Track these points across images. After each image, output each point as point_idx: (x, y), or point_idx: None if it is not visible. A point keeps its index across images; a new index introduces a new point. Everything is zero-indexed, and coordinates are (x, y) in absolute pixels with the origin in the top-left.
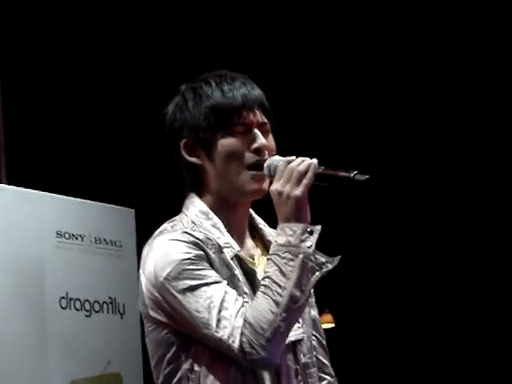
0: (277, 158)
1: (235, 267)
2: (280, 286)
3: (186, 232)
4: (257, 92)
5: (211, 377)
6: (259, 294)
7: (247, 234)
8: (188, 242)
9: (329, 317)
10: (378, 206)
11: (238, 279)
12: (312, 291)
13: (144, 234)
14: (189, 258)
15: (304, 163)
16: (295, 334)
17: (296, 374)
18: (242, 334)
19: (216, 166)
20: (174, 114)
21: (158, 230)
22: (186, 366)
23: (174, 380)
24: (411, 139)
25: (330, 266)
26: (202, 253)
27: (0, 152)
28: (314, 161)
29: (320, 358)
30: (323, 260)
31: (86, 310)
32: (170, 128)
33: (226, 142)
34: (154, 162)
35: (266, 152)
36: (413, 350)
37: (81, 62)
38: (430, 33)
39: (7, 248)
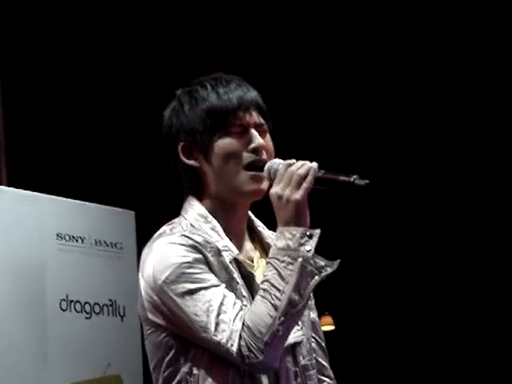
0: (277, 161)
1: (234, 270)
2: (279, 290)
3: (184, 235)
4: (253, 93)
5: (210, 380)
6: (258, 297)
7: (246, 236)
8: (187, 246)
9: (329, 319)
10: (377, 209)
11: (237, 282)
12: (311, 294)
13: (144, 235)
14: (187, 262)
15: (304, 167)
16: (294, 336)
17: (295, 376)
18: (240, 337)
19: (214, 167)
20: (171, 118)
21: (157, 233)
22: (184, 369)
23: (173, 383)
24: (410, 143)
25: (329, 270)
26: (200, 256)
27: (0, 154)
28: (314, 164)
29: (319, 360)
30: (322, 264)
31: (86, 313)
32: (167, 132)
33: (223, 143)
34: (154, 164)
35: (264, 152)
36: (413, 353)
37: (81, 63)
38: (431, 37)
39: (7, 250)
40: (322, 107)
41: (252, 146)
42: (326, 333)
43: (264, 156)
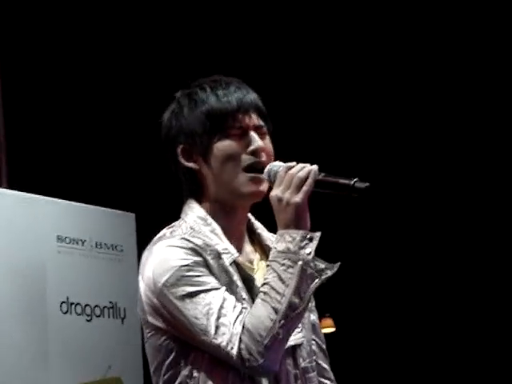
0: (277, 163)
1: (234, 273)
2: (279, 293)
3: (184, 238)
4: (252, 96)
5: (210, 382)
6: (258, 300)
7: (246, 238)
8: (186, 248)
9: (329, 321)
10: (378, 212)
11: (237, 285)
12: (312, 296)
13: (145, 238)
14: (187, 265)
15: (304, 170)
16: (295, 338)
17: (295, 378)
18: (240, 340)
19: (213, 170)
20: (170, 120)
21: (157, 236)
22: (184, 372)
23: None
24: (410, 145)
25: (329, 273)
26: (200, 259)
27: (1, 156)
28: (315, 167)
29: (320, 362)
30: (323, 266)
31: (86, 315)
32: (166, 135)
33: (222, 146)
34: (155, 167)
35: (263, 154)
36: (413, 355)
37: (81, 64)
38: (432, 40)
39: (8, 253)
40: (323, 110)
41: (251, 148)
42: (326, 335)
43: (263, 158)
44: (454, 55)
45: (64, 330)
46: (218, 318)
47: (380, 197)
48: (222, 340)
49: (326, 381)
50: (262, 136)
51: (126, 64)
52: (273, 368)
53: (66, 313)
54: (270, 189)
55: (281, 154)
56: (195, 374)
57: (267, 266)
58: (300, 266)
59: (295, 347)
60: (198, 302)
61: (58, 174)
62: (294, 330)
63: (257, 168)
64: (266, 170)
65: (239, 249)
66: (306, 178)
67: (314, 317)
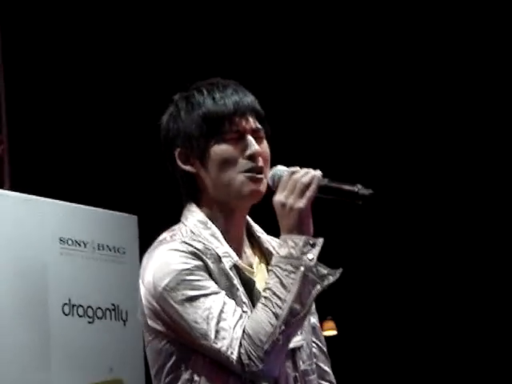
0: (281, 167)
1: (234, 277)
2: (280, 299)
3: (184, 242)
4: (249, 99)
5: None
6: (259, 305)
7: (246, 242)
8: (187, 252)
9: (331, 324)
10: (380, 216)
11: (237, 289)
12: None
13: (147, 240)
14: (188, 269)
15: (308, 175)
16: (294, 341)
17: (295, 381)
18: (240, 345)
19: (211, 173)
20: (168, 123)
21: (157, 240)
22: (185, 375)
23: None
24: (413, 151)
25: (331, 279)
26: (200, 263)
27: (4, 158)
28: (318, 173)
29: (321, 365)
30: (325, 272)
31: (88, 317)
32: (164, 138)
33: (219, 150)
34: (157, 169)
35: (260, 159)
36: (415, 357)
37: (83, 69)
38: (434, 45)
39: (10, 254)
40: (326, 115)
41: (248, 152)
42: (328, 338)
43: (260, 163)
44: (458, 62)
45: (66, 332)
46: (218, 322)
47: (383, 202)
48: (222, 344)
49: (326, 383)
50: (258, 140)
51: (129, 67)
52: (273, 373)
53: (67, 315)
54: (273, 193)
55: (282, 159)
56: (196, 377)
57: (269, 270)
58: (302, 271)
59: (295, 350)
60: (198, 307)
61: (60, 176)
62: (294, 336)
63: (254, 173)
64: (269, 175)
65: (239, 252)
66: (310, 184)
67: (314, 319)
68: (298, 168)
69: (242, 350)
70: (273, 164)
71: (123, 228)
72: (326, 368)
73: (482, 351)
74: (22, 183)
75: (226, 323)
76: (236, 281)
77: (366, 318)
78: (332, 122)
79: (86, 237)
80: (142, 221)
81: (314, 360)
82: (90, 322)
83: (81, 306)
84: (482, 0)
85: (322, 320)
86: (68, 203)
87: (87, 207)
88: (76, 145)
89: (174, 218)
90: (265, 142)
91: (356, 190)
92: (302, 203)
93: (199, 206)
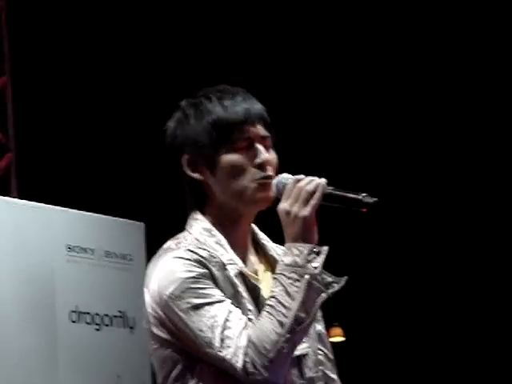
0: (285, 175)
1: (239, 284)
2: (285, 307)
3: (189, 250)
4: (258, 106)
5: None
6: (264, 313)
7: (251, 249)
8: (192, 260)
9: (338, 330)
10: (386, 223)
11: (242, 296)
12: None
13: (154, 247)
14: (193, 277)
15: (313, 183)
16: (300, 348)
17: None
18: (245, 354)
19: (220, 181)
20: (175, 129)
21: (162, 248)
22: (191, 383)
23: None
24: (417, 160)
25: (336, 287)
26: (205, 271)
27: (11, 166)
28: (323, 181)
29: (327, 372)
30: (330, 280)
31: (96, 324)
32: (171, 144)
33: (229, 158)
34: (164, 176)
35: (269, 168)
36: (423, 364)
37: (90, 78)
38: (438, 49)
39: (18, 262)
40: (332, 124)
41: (258, 161)
42: (335, 344)
43: (269, 172)
44: (466, 70)
45: (73, 339)
46: (223, 330)
47: (389, 209)
48: (226, 353)
49: None
50: (266, 148)
51: (135, 77)
52: (278, 381)
53: (75, 322)
54: (278, 201)
55: (288, 167)
56: None
57: (274, 278)
58: (307, 279)
59: (300, 357)
60: (202, 315)
61: (68, 184)
62: (299, 344)
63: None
64: (274, 182)
65: (244, 259)
66: (315, 192)
67: (320, 327)
68: (302, 176)
69: (247, 359)
70: (278, 172)
71: (130, 235)
72: (333, 375)
73: (486, 353)
74: (30, 191)
75: (231, 331)
76: (241, 288)
77: (373, 324)
78: (337, 130)
79: (93, 244)
80: (148, 228)
81: (321, 367)
82: (97, 330)
83: (88, 313)
84: (482, 0)
85: (329, 327)
86: (75, 211)
87: (94, 214)
88: (83, 153)
89: (181, 225)
90: (272, 150)
91: (360, 197)
92: (306, 211)
93: (204, 213)
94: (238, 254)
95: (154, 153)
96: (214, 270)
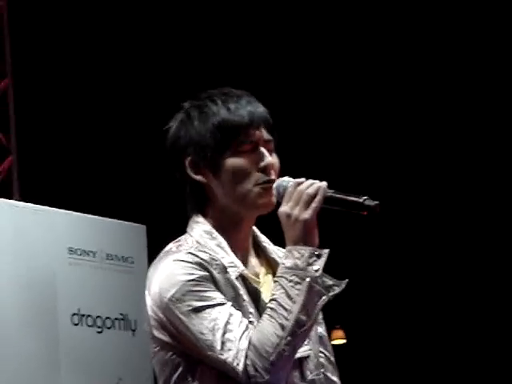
0: (286, 179)
1: (240, 287)
2: (286, 310)
3: (190, 252)
4: (262, 109)
5: None
6: (265, 316)
7: (252, 252)
8: (193, 263)
9: (340, 333)
10: (387, 225)
11: (243, 299)
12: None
13: (155, 249)
14: (193, 280)
15: (313, 186)
16: (301, 351)
17: None
18: (246, 356)
19: (223, 184)
20: (178, 130)
21: (163, 251)
22: None
23: None
24: (418, 163)
25: (336, 290)
26: (206, 274)
27: (13, 169)
28: (324, 184)
29: (329, 375)
30: (330, 283)
31: (97, 327)
32: (173, 145)
33: (233, 162)
34: (165, 179)
35: (273, 172)
36: (425, 366)
37: (91, 81)
38: (438, 52)
39: (19, 264)
40: (333, 127)
41: (262, 164)
42: (337, 346)
43: (273, 176)
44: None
45: (75, 342)
46: (224, 333)
47: (391, 212)
48: (227, 356)
49: None
50: (269, 151)
51: (137, 80)
52: None
53: (76, 324)
54: (279, 204)
55: (289, 170)
56: None
57: (275, 281)
58: (308, 282)
59: (302, 360)
60: (203, 318)
61: (69, 187)
62: (300, 347)
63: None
64: (274, 185)
65: (245, 262)
66: (315, 195)
67: (321, 329)
68: (303, 179)
69: (248, 362)
70: (279, 175)
71: (132, 238)
72: (334, 378)
73: (487, 356)
74: (31, 194)
75: (232, 334)
76: (242, 291)
77: (374, 326)
78: (338, 134)
79: (94, 246)
80: (150, 230)
81: (322, 370)
82: (98, 332)
83: (90, 315)
84: (482, 0)
85: (331, 329)
86: (77, 213)
87: (96, 217)
88: (85, 156)
89: (182, 228)
90: (274, 154)
91: (361, 200)
92: (307, 214)
93: (205, 216)
94: (238, 257)
95: (155, 156)
96: (214, 272)
